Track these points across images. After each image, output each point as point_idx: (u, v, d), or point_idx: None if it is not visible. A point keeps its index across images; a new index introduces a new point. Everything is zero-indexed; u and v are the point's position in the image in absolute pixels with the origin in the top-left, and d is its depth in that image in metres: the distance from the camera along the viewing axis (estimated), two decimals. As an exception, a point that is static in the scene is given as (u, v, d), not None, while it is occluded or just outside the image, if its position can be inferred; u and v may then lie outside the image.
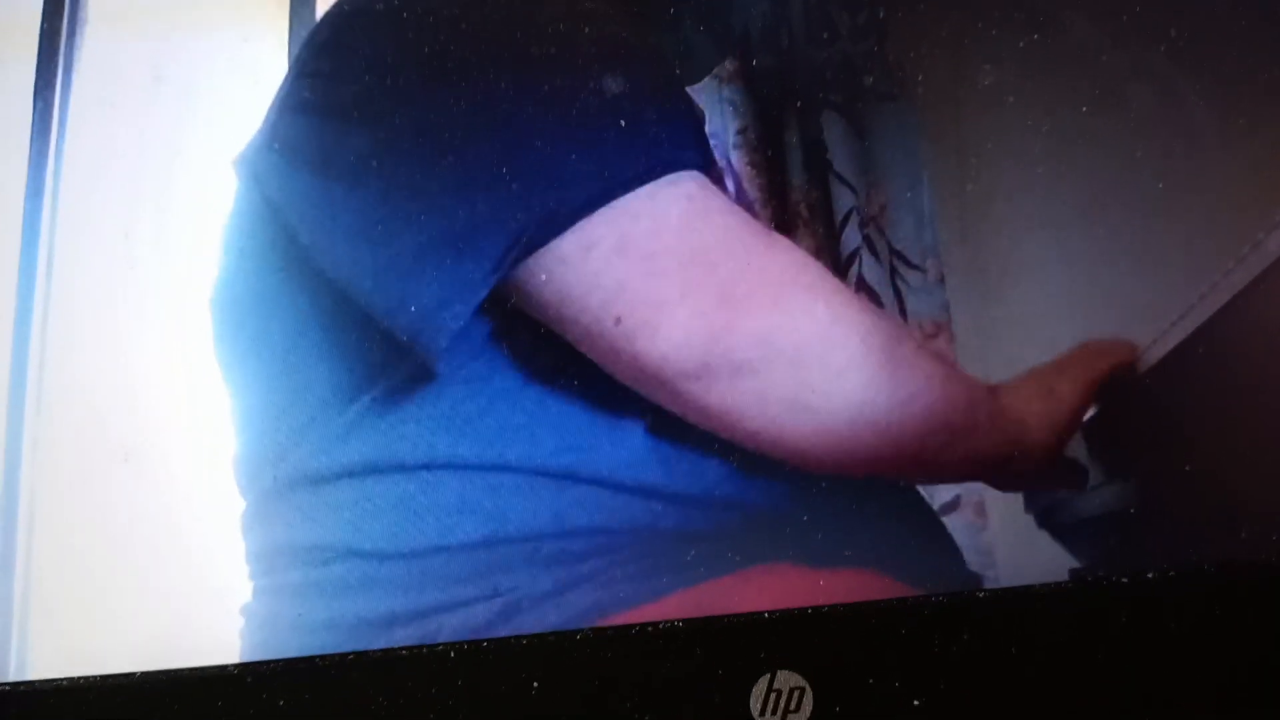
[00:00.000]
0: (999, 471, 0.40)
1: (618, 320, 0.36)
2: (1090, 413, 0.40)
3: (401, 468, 0.37)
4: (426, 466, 0.37)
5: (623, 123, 0.37)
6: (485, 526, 0.36)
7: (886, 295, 0.45)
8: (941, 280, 0.45)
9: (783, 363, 0.36)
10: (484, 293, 0.36)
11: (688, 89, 0.45)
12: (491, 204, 0.36)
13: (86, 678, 0.29)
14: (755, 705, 0.30)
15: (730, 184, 0.44)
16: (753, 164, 0.47)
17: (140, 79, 0.40)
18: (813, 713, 0.30)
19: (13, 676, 0.33)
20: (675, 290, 0.36)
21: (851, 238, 0.46)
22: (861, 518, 0.37)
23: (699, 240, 0.37)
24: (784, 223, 0.46)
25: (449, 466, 0.36)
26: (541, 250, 0.36)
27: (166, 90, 0.40)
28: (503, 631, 0.34)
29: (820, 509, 0.37)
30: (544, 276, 0.36)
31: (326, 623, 0.36)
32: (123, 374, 0.38)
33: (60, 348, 0.37)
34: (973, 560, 0.40)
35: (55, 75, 0.39)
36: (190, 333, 0.39)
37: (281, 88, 0.39)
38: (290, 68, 0.39)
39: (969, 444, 0.38)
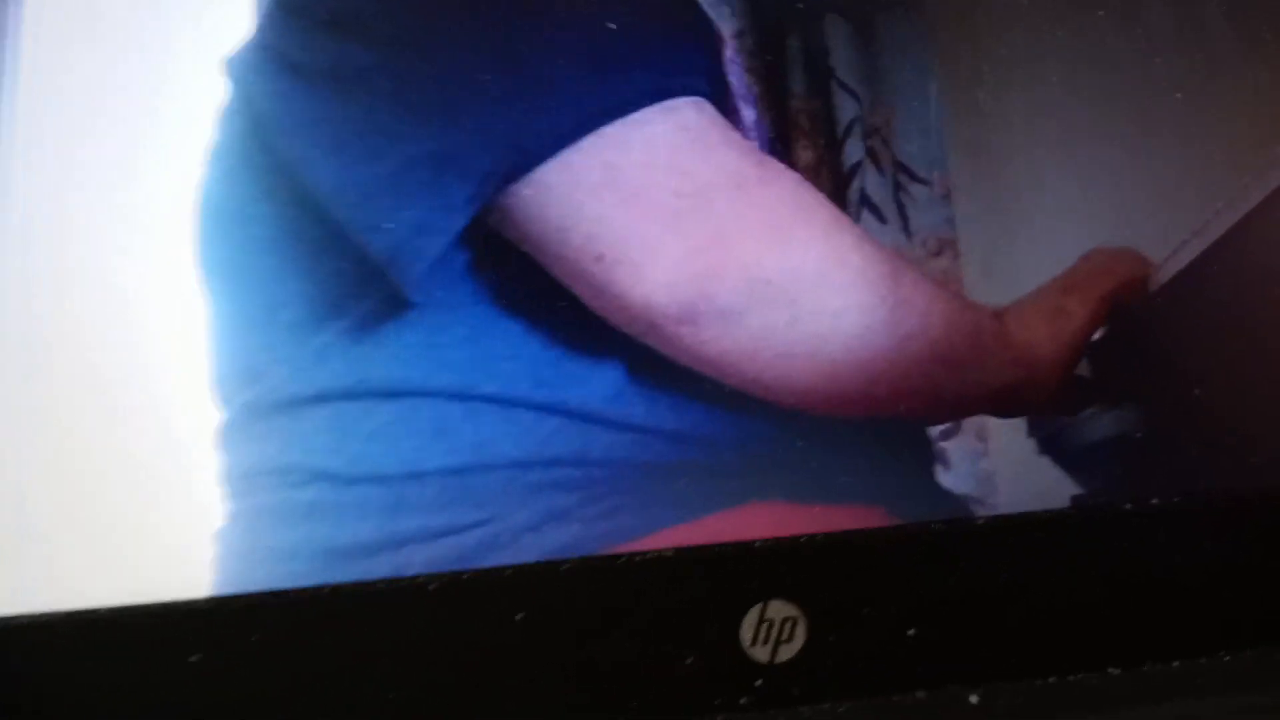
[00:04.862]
0: (1007, 401, 0.39)
1: (599, 258, 0.34)
2: (1098, 333, 0.40)
3: (376, 394, 0.36)
4: (402, 394, 0.36)
5: (617, 45, 0.35)
6: (461, 453, 0.35)
7: (890, 211, 0.44)
8: (948, 195, 0.44)
9: (776, 306, 0.35)
10: (463, 220, 0.34)
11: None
12: (475, 128, 0.34)
13: (53, 613, 0.28)
14: (747, 635, 0.30)
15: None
16: (751, 70, 0.45)
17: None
18: (806, 643, 0.30)
19: (-27, 612, 0.32)
20: (661, 228, 0.34)
21: (854, 150, 0.44)
22: (858, 450, 0.36)
23: (691, 174, 0.35)
24: (782, 135, 0.44)
25: (425, 394, 0.35)
26: (525, 177, 0.34)
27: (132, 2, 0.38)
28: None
29: (815, 442, 0.36)
30: (527, 205, 0.34)
31: (299, 551, 0.35)
32: (87, 301, 0.37)
33: (31, 280, 0.36)
34: (973, 486, 0.39)
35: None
36: (169, 257, 0.38)
37: None
38: None
39: (976, 376, 0.37)
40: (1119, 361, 0.40)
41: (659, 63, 0.36)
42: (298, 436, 0.36)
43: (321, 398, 0.36)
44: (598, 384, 0.36)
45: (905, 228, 0.44)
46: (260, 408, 0.37)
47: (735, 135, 0.37)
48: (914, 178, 0.44)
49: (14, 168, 0.37)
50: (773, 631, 0.30)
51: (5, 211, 0.37)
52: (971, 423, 0.39)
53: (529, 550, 0.34)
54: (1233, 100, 0.41)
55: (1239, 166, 0.38)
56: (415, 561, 0.34)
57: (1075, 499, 0.37)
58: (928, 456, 0.39)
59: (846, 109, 0.45)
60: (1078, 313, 0.39)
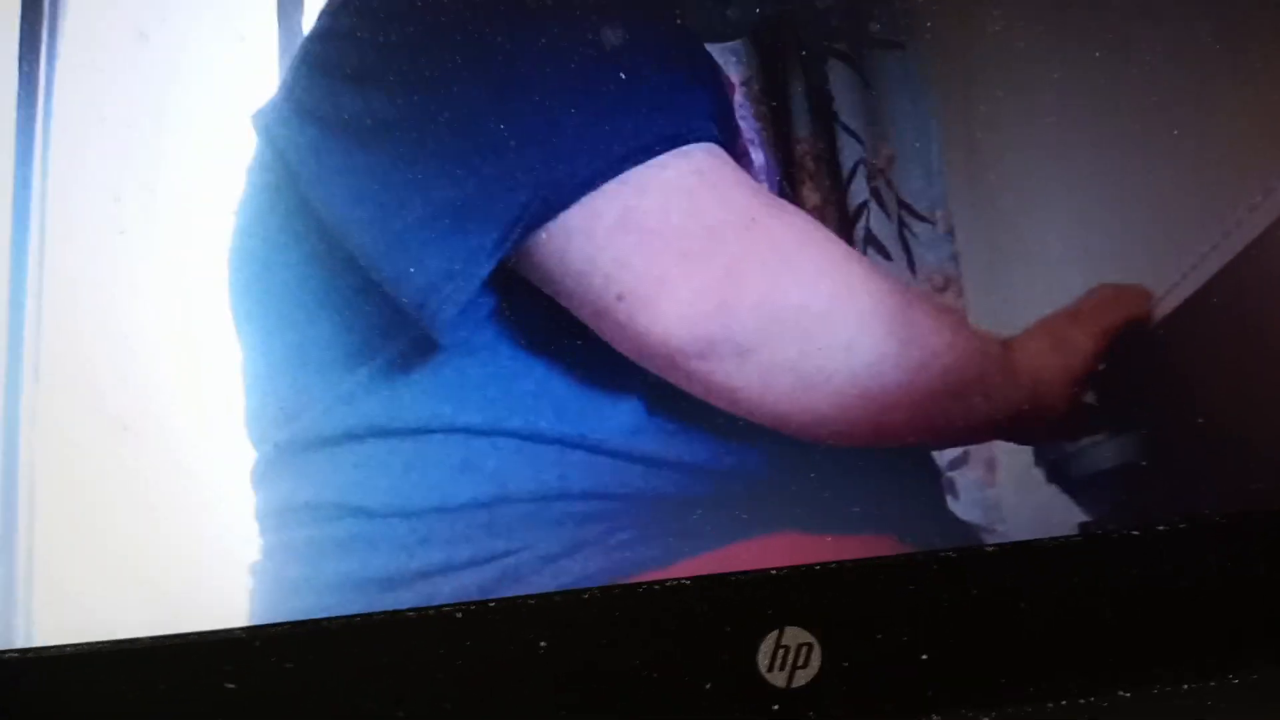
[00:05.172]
0: (1014, 428, 0.39)
1: (620, 297, 0.35)
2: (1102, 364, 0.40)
3: (405, 432, 0.37)
4: (429, 431, 0.36)
5: (633, 93, 0.36)
6: (487, 487, 0.36)
7: (895, 249, 0.44)
8: (950, 232, 0.45)
9: (789, 339, 0.36)
10: (489, 267, 0.35)
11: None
12: (497, 177, 0.35)
13: (93, 644, 0.29)
14: (763, 662, 0.30)
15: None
16: (757, 116, 0.46)
17: (124, 38, 0.39)
18: (821, 668, 0.30)
19: (20, 644, 0.33)
20: (678, 268, 0.35)
21: (859, 190, 0.45)
22: (869, 481, 0.37)
23: (705, 216, 0.36)
24: (789, 176, 0.45)
25: (453, 431, 0.36)
26: (547, 224, 0.35)
27: (151, 49, 0.39)
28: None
29: (827, 474, 0.37)
30: (549, 250, 0.36)
31: (330, 583, 0.36)
32: (118, 342, 0.38)
33: (54, 318, 0.37)
34: (981, 514, 0.39)
35: (39, 38, 0.38)
36: (185, 299, 0.39)
37: (300, 44, 0.38)
38: (315, 23, 0.38)
39: (984, 405, 0.38)
40: (1123, 389, 0.40)
41: (673, 109, 0.37)
42: (330, 473, 0.37)
43: (352, 436, 0.37)
44: (617, 419, 0.37)
45: (910, 265, 0.44)
46: (293, 446, 0.38)
47: (746, 177, 0.38)
48: (917, 216, 0.45)
49: (38, 212, 0.38)
50: (789, 657, 0.30)
51: (36, 257, 0.38)
52: (979, 452, 0.40)
53: (551, 580, 0.35)
54: (1228, 134, 0.42)
55: (1236, 199, 0.39)
56: (442, 592, 0.35)
57: (1082, 525, 0.37)
58: (937, 486, 0.40)
59: (850, 151, 0.45)
60: (1084, 345, 0.39)
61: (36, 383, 0.36)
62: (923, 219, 0.45)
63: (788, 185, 0.45)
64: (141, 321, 0.38)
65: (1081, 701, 0.31)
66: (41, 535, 0.35)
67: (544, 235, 0.35)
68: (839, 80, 0.46)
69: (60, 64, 0.39)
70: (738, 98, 0.44)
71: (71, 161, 0.38)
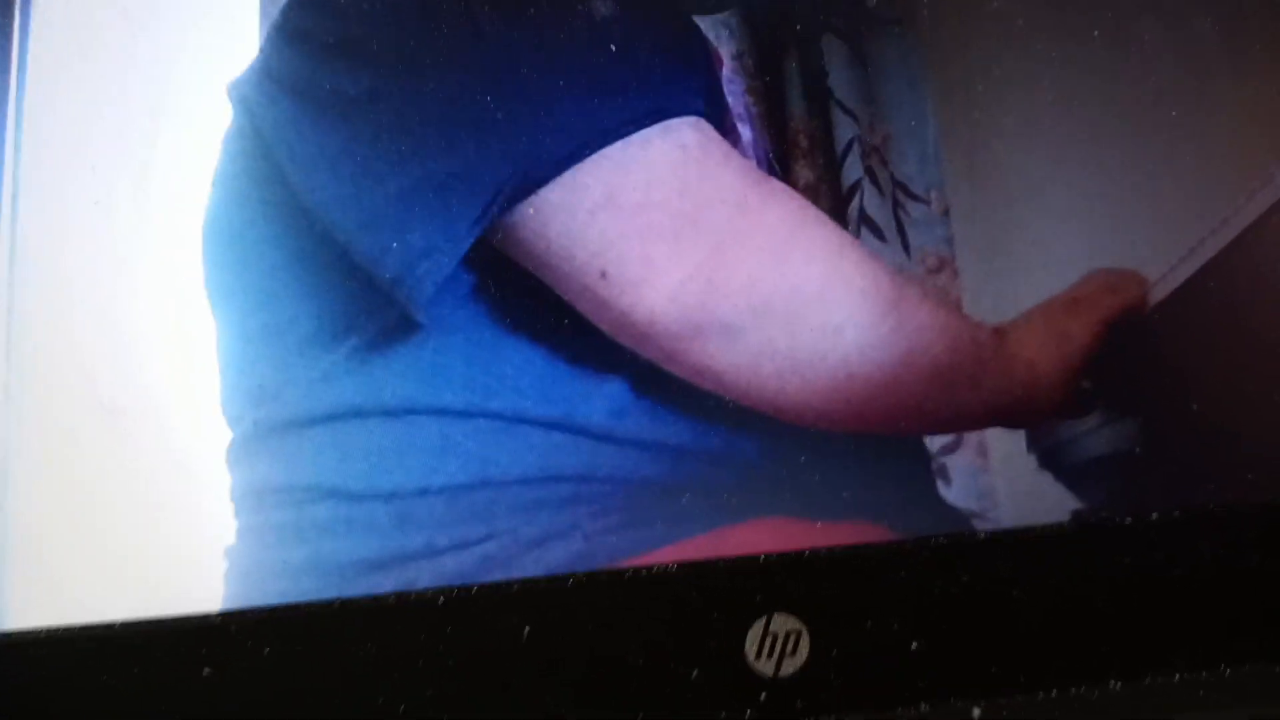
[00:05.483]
0: (1008, 416, 0.39)
1: (603, 275, 0.35)
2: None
3: (383, 412, 0.36)
4: (409, 412, 0.36)
5: (616, 67, 0.36)
6: (468, 470, 0.36)
7: (889, 229, 0.44)
8: (946, 213, 0.44)
9: (777, 321, 0.35)
10: (468, 243, 0.35)
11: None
12: (478, 151, 0.35)
13: (68, 627, 0.29)
14: (751, 649, 0.30)
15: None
16: (750, 92, 0.45)
17: (105, 14, 0.39)
18: (809, 656, 0.30)
19: (-10, 627, 0.33)
20: (663, 246, 0.35)
21: (853, 169, 0.45)
22: (860, 466, 0.36)
23: (691, 193, 0.35)
24: (782, 154, 0.45)
25: (431, 412, 0.36)
26: (528, 199, 0.34)
27: (132, 25, 0.39)
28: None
29: (818, 459, 0.36)
30: (530, 224, 0.35)
31: (308, 567, 0.35)
32: (101, 323, 0.37)
33: (33, 297, 0.36)
34: (974, 501, 0.39)
35: (13, 7, 0.38)
36: (171, 278, 0.38)
37: (279, 13, 0.38)
38: None
39: (976, 394, 0.38)
40: (1117, 376, 0.40)
41: (657, 84, 0.36)
42: (307, 454, 0.36)
43: (330, 416, 0.36)
44: (602, 401, 0.37)
45: (904, 245, 0.44)
46: (270, 426, 0.37)
47: (734, 153, 0.38)
48: (912, 196, 0.45)
49: (15, 190, 0.37)
50: (777, 645, 0.30)
51: (8, 232, 0.37)
52: (972, 438, 0.40)
53: (534, 565, 0.35)
54: (1227, 118, 0.42)
55: (1234, 183, 0.39)
56: (422, 576, 0.35)
57: (1075, 513, 0.37)
58: (929, 472, 0.39)
59: (845, 129, 0.45)
60: (1080, 335, 0.39)
61: (14, 363, 0.36)
62: (918, 199, 0.45)
63: (779, 163, 0.45)
64: (124, 302, 0.37)
65: (1073, 691, 0.30)
66: (18, 518, 0.35)
67: (526, 210, 0.35)
68: (834, 57, 0.46)
69: (34, 41, 0.38)
70: (728, 72, 0.44)
71: (50, 137, 0.38)
